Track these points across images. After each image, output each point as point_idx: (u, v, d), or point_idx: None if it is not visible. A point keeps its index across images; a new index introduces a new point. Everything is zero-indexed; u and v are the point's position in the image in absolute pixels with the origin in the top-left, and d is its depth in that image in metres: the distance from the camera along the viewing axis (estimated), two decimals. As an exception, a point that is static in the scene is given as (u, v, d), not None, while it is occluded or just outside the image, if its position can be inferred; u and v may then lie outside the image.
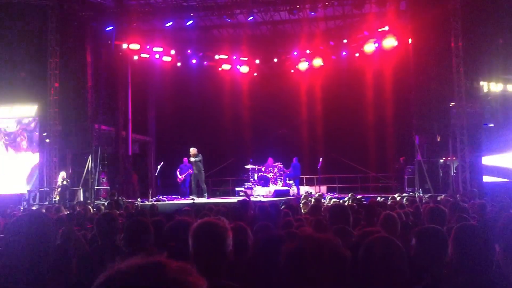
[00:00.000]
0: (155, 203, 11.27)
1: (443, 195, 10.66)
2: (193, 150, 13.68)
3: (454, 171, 13.88)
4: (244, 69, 18.70)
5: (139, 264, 0.92)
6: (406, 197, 10.10)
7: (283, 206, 6.95)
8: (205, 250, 2.18)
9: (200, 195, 13.85)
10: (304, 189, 16.28)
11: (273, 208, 4.90)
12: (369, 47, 16.17)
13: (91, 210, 9.09)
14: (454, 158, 14.23)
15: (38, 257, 2.06)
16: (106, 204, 10.74)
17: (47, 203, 13.47)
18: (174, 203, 12.08)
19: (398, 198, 9.70)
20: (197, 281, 0.94)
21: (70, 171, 14.96)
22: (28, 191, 14.11)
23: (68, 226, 5.22)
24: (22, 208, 11.57)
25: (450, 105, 13.99)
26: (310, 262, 1.57)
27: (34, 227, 2.10)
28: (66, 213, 8.51)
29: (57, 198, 13.22)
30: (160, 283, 0.89)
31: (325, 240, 1.67)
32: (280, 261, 1.67)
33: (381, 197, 10.62)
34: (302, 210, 7.92)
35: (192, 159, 13.63)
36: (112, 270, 0.92)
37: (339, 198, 11.11)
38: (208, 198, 13.74)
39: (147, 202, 12.37)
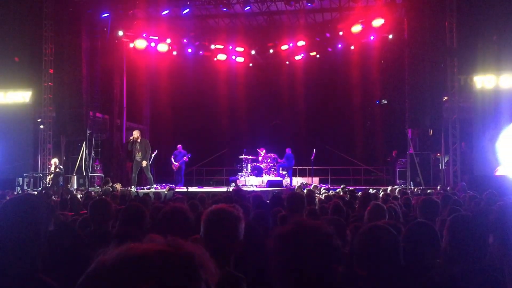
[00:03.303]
0: (159, 191, 11.29)
1: (438, 187, 10.84)
2: (136, 133, 12.95)
3: (445, 165, 14.07)
4: (240, 59, 18.66)
5: (158, 246, 0.86)
6: (398, 189, 10.25)
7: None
8: (217, 237, 2.14)
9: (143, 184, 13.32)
10: (297, 180, 16.42)
11: (277, 199, 5.01)
12: (365, 40, 16.22)
13: (78, 196, 9.07)
14: (438, 154, 14.40)
15: (28, 246, 1.82)
16: (100, 190, 10.76)
17: (40, 188, 13.47)
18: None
19: (389, 190, 9.84)
20: (212, 265, 0.90)
21: (64, 158, 14.94)
22: (23, 175, 14.10)
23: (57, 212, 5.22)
24: (16, 193, 11.56)
25: (443, 100, 14.14)
26: (302, 247, 1.53)
27: (22, 213, 1.87)
28: (54, 198, 8.53)
29: (50, 184, 13.21)
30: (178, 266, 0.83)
31: (319, 226, 1.62)
32: (270, 244, 1.62)
33: (373, 189, 10.77)
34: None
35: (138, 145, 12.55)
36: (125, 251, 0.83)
37: (329, 189, 11.26)
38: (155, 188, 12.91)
39: (139, 191, 12.42)
